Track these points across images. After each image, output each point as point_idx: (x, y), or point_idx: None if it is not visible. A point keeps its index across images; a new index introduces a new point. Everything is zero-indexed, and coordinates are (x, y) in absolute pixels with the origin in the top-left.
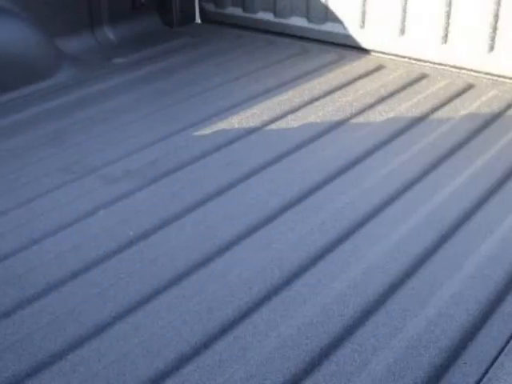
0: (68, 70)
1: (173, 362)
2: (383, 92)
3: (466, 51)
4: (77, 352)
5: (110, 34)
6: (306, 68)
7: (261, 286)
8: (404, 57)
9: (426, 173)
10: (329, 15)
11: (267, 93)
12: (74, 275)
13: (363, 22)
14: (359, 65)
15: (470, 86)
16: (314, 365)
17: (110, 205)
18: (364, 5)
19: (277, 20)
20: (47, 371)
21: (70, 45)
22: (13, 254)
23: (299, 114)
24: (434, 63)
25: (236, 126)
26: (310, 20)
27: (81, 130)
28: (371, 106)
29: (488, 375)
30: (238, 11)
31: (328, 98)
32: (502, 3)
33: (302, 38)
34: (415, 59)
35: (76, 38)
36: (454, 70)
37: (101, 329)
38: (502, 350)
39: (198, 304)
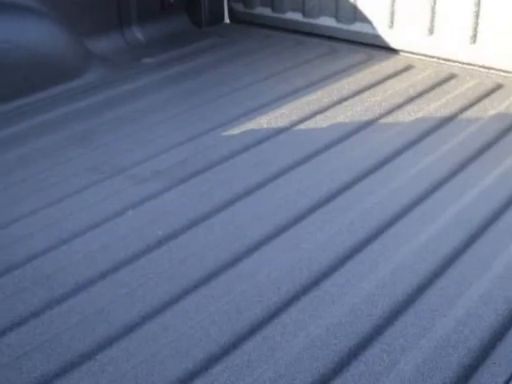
0: (97, 70)
1: (201, 362)
2: (412, 92)
3: (495, 51)
4: (105, 352)
5: (138, 34)
6: (334, 68)
7: (289, 285)
8: (433, 57)
9: (454, 173)
10: (357, 15)
11: (296, 93)
12: (103, 275)
13: (392, 22)
14: (388, 65)
15: (498, 86)
16: (342, 365)
17: (139, 205)
18: (393, 5)
19: (306, 20)
20: (76, 371)
21: (99, 45)
22: (42, 253)
23: (328, 113)
24: (463, 63)
25: (265, 126)
26: (338, 20)
27: (109, 130)
28: (400, 106)
29: None
30: (266, 11)
31: (357, 98)
32: None
33: (330, 37)
34: (444, 59)
35: (105, 38)
36: (482, 70)
37: (129, 329)
38: None
39: (227, 304)
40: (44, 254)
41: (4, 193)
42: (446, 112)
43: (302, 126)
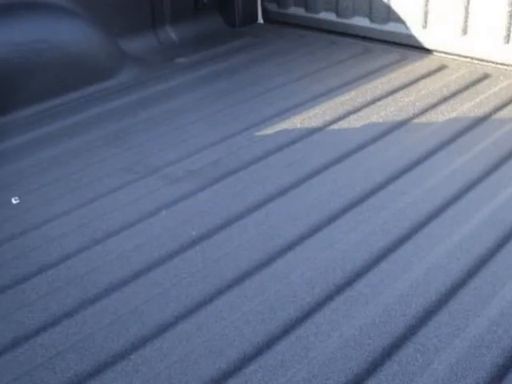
0: (130, 70)
1: (235, 362)
2: (445, 92)
3: None
4: (139, 352)
5: (172, 34)
6: (368, 68)
7: (323, 286)
8: (466, 57)
9: (488, 173)
10: (391, 15)
11: (329, 93)
12: (137, 275)
13: (425, 22)
14: (421, 65)
15: None
16: (376, 365)
17: (172, 205)
18: (426, 5)
19: (339, 20)
20: (109, 371)
21: (133, 45)
22: (75, 254)
23: (361, 114)
24: (497, 63)
25: (298, 126)
26: (372, 20)
27: (143, 130)
28: (433, 106)
29: None
30: (300, 11)
31: (390, 98)
32: None
33: (364, 37)
34: (477, 59)
35: (138, 38)
36: None
37: (163, 329)
38: None
39: (261, 304)
40: (77, 254)
41: (37, 193)
42: (479, 112)
43: (336, 126)
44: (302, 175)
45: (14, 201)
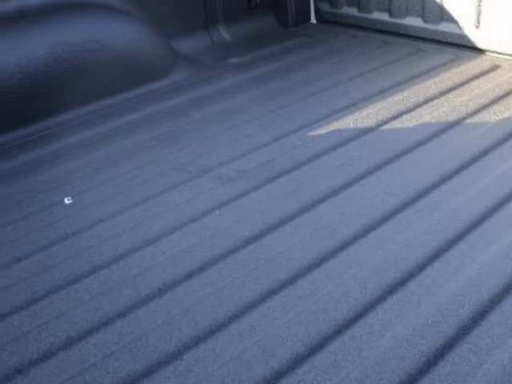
0: (183, 71)
1: (288, 362)
2: (498, 92)
3: None
4: (192, 352)
5: (225, 34)
6: (420, 68)
7: (376, 286)
8: None
9: None
10: (444, 15)
11: (382, 93)
12: (189, 275)
13: (478, 22)
14: (474, 65)
15: None
16: (429, 365)
17: (225, 205)
18: (479, 4)
19: (392, 20)
20: (162, 371)
21: (186, 45)
22: (128, 254)
23: (414, 113)
24: None
25: (351, 125)
26: (425, 20)
27: (196, 130)
28: (486, 106)
29: None
30: (353, 11)
31: (443, 98)
32: None
33: (416, 37)
34: None
35: (191, 39)
36: None
37: (216, 329)
38: None
39: (313, 304)
40: (130, 255)
41: (90, 193)
42: None
43: (389, 126)
44: (355, 175)
45: (66, 201)
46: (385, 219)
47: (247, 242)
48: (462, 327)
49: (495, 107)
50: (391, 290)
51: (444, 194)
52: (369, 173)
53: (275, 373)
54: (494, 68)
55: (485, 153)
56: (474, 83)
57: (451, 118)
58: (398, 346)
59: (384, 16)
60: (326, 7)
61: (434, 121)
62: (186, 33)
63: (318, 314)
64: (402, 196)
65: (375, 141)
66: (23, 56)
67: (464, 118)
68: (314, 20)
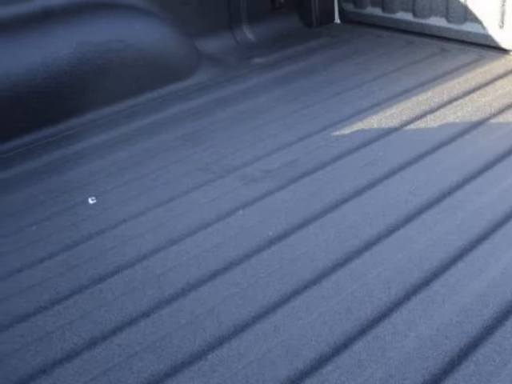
0: (207, 70)
1: (312, 362)
2: None
3: None
4: (216, 352)
5: (249, 34)
6: (444, 68)
7: (400, 286)
8: None
9: None
10: (468, 15)
11: (406, 93)
12: (214, 275)
13: (502, 22)
14: (498, 65)
15: None
16: (453, 365)
17: (250, 205)
18: (503, 5)
19: (416, 20)
20: (186, 371)
21: (209, 45)
22: (151, 254)
23: (438, 113)
24: None
25: (375, 125)
26: (449, 20)
27: (220, 130)
28: (510, 106)
29: None
30: (377, 11)
31: (467, 98)
32: None
33: (440, 37)
34: None
35: (215, 39)
36: None
37: (240, 329)
38: None
39: (337, 304)
40: (154, 254)
41: (114, 193)
42: None
43: (413, 126)
44: (379, 175)
45: (90, 201)
46: (409, 219)
47: (271, 242)
48: (486, 327)
49: None
50: (415, 290)
51: (468, 194)
52: (393, 173)
53: (299, 373)
54: None
55: (509, 153)
56: (498, 83)
57: (475, 118)
58: (422, 346)
59: (408, 16)
60: (350, 7)
61: (458, 121)
62: (209, 33)
63: (342, 314)
64: (426, 196)
65: (399, 141)
66: (48, 56)
67: (488, 118)
68: (338, 20)
